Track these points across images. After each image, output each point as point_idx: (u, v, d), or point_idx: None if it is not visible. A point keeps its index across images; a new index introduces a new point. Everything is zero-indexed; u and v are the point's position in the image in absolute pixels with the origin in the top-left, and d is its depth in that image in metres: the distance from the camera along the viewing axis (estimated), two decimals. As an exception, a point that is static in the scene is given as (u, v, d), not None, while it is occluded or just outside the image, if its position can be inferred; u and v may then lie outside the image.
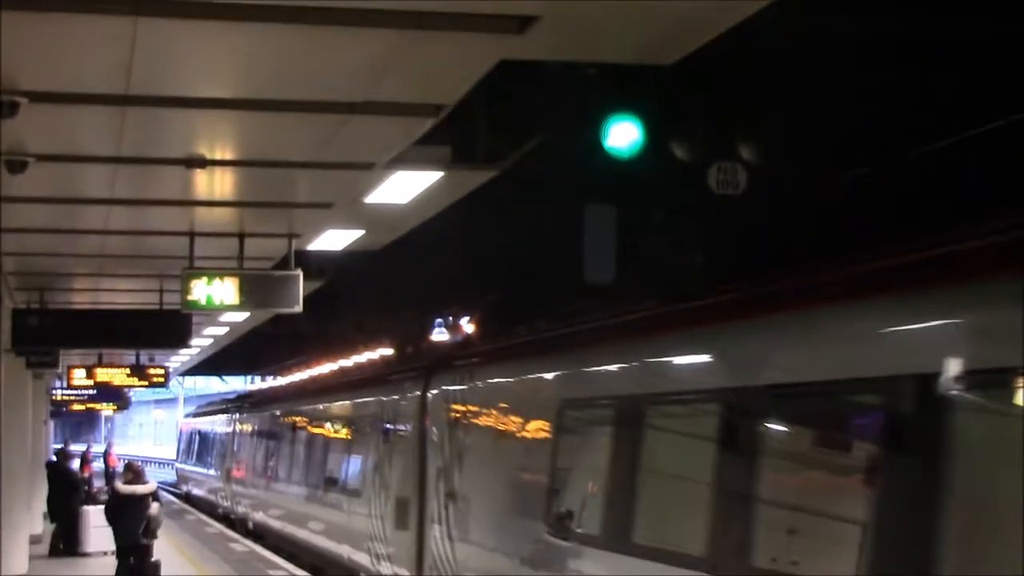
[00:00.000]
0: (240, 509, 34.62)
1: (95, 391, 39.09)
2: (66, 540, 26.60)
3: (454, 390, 15.89)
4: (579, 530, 11.33)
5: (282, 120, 8.85)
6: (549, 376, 13.19)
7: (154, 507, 18.98)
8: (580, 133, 7.54)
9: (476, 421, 14.97)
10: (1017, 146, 11.34)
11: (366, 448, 20.51)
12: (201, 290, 13.22)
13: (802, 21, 9.65)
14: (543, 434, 12.67)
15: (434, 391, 16.79)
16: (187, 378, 67.44)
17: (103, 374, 27.35)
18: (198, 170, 10.18)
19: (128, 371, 27.52)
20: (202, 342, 29.65)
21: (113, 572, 19.13)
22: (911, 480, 7.01)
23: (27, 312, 18.45)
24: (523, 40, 6.93)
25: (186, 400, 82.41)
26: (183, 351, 31.10)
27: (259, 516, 31.31)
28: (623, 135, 7.49)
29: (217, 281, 13.25)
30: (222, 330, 26.69)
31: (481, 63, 7.51)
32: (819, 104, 10.95)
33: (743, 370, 8.99)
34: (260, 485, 31.73)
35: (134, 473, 19.16)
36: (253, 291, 13.33)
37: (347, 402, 23.51)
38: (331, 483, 23.14)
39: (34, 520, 28.21)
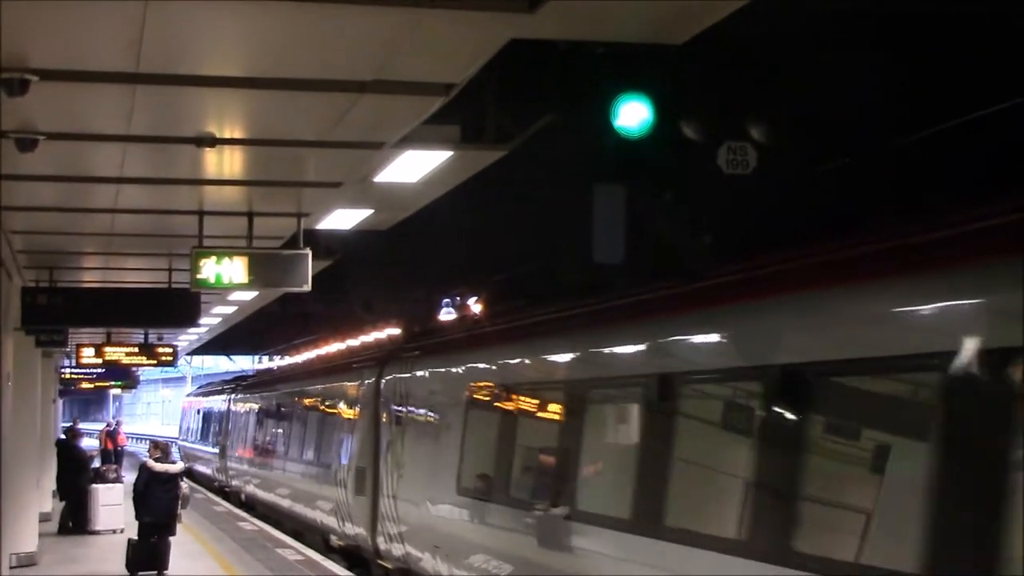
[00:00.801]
0: (235, 483, 37.39)
1: (103, 370, 39.11)
2: (75, 518, 26.70)
3: (400, 377, 19.40)
4: (475, 489, 14.97)
5: (292, 99, 8.85)
6: (460, 369, 16.55)
7: (184, 486, 19.25)
8: (590, 113, 7.52)
9: (413, 404, 18.50)
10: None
11: (334, 427, 23.83)
12: (210, 269, 13.24)
13: (813, 1, 9.64)
14: (456, 415, 16.15)
15: (387, 378, 20.15)
16: (195, 357, 67.53)
17: (112, 353, 27.37)
18: (208, 149, 10.18)
19: (136, 350, 27.56)
20: (210, 321, 29.70)
21: (124, 549, 19.21)
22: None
23: (36, 291, 18.46)
24: (533, 19, 6.93)
25: (194, 379, 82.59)
26: (191, 330, 31.15)
27: (250, 488, 34.30)
28: (633, 115, 7.47)
29: (226, 260, 13.27)
30: (230, 309, 26.73)
31: (491, 42, 7.50)
32: (830, 84, 10.93)
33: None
34: (250, 460, 34.71)
35: (162, 451, 19.25)
36: (262, 270, 13.35)
37: (320, 386, 26.39)
38: (306, 457, 26.48)
39: (43, 498, 28.30)
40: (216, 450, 41.84)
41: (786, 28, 9.95)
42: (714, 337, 10.07)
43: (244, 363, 60.47)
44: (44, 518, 26.64)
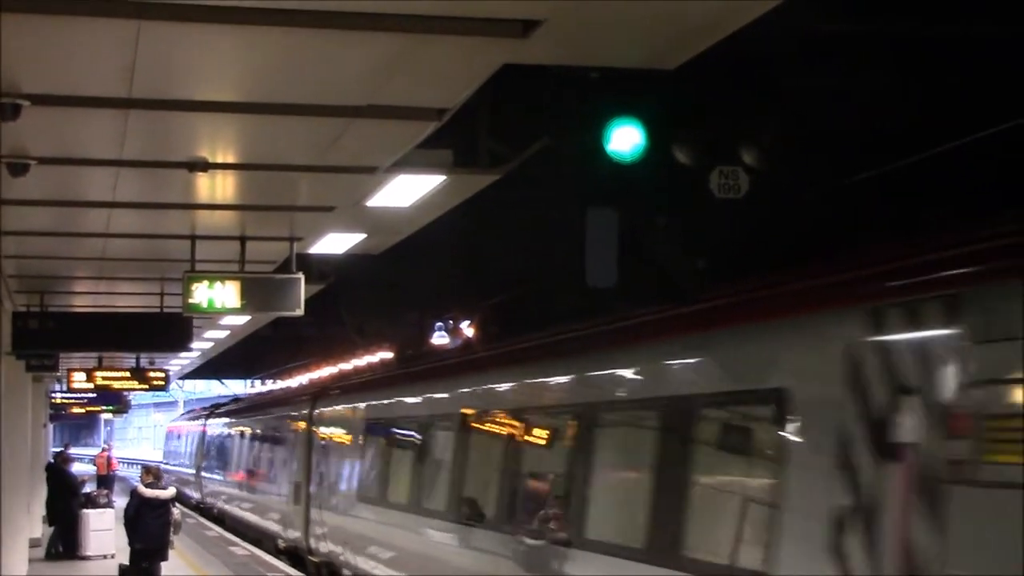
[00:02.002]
0: (209, 500, 42.04)
1: (95, 394, 39.06)
2: (65, 543, 26.59)
3: (324, 410, 25.07)
4: (370, 497, 20.01)
5: (285, 124, 8.85)
6: (360, 405, 22.00)
7: (176, 512, 19.12)
8: (582, 137, 7.52)
9: (331, 431, 23.99)
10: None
11: (280, 450, 29.19)
12: (203, 293, 13.23)
13: (805, 25, 9.66)
14: (356, 439, 21.71)
15: (317, 410, 25.59)
16: (187, 382, 67.37)
17: (103, 377, 27.33)
18: (200, 173, 10.18)
19: (128, 374, 27.52)
20: (202, 345, 29.65)
21: (115, 575, 19.13)
22: None
23: (27, 315, 18.44)
24: (527, 44, 6.94)
25: (186, 404, 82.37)
26: (183, 355, 31.10)
27: (220, 503, 39.19)
28: (625, 139, 7.48)
29: (219, 284, 13.26)
30: (222, 333, 26.70)
31: (485, 67, 7.51)
32: (821, 108, 10.96)
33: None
34: (220, 480, 39.66)
35: (154, 476, 19.12)
36: (254, 294, 13.34)
37: (273, 415, 31.57)
38: (259, 476, 31.86)
39: (33, 523, 28.21)
40: (193, 470, 46.21)
41: (778, 52, 9.97)
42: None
43: (237, 387, 60.36)
44: (34, 543, 26.56)
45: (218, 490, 39.68)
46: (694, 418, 10.21)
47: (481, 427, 15.41)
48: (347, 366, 33.61)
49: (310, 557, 24.32)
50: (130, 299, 19.58)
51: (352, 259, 15.85)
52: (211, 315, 18.49)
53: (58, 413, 46.52)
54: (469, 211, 12.78)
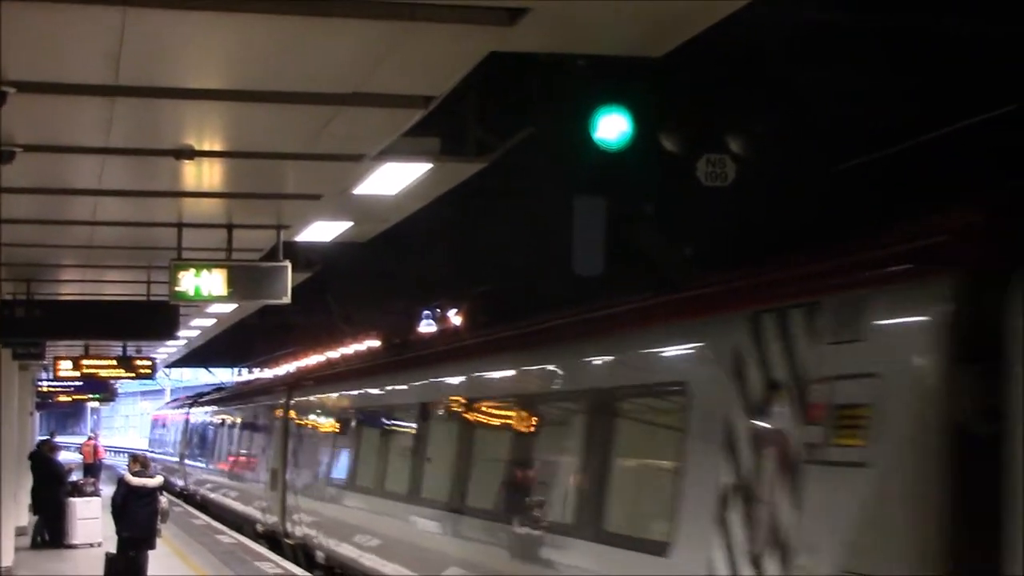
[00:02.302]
0: (192, 487, 42.96)
1: (81, 383, 39.00)
2: (51, 532, 26.56)
3: (299, 400, 26.69)
4: (340, 483, 21.74)
5: (272, 111, 8.84)
6: (333, 395, 23.77)
7: (163, 500, 19.06)
8: (569, 125, 7.52)
9: (306, 420, 25.63)
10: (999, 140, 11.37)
11: (259, 437, 30.37)
12: (189, 281, 13.21)
13: (792, 14, 9.66)
14: (331, 429, 23.21)
15: (293, 400, 27.14)
16: (174, 370, 67.28)
17: (89, 366, 27.30)
18: (187, 161, 10.16)
19: (115, 362, 27.48)
20: (189, 333, 29.62)
21: (102, 563, 19.12)
22: None
23: (14, 303, 18.40)
24: (513, 32, 6.94)
25: (173, 392, 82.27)
26: (170, 343, 31.08)
27: (203, 490, 40.23)
28: (612, 127, 7.47)
29: (205, 272, 13.24)
30: (209, 321, 26.67)
31: (472, 55, 7.51)
32: (808, 97, 10.97)
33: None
34: (203, 467, 40.74)
35: (141, 464, 19.08)
36: (241, 282, 13.33)
37: (251, 404, 32.75)
38: (239, 463, 32.89)
39: (20, 512, 28.17)
40: (177, 458, 47.04)
41: (765, 41, 9.98)
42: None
43: (224, 375, 60.30)
44: (20, 532, 26.51)
45: (201, 477, 40.79)
46: (613, 407, 11.65)
47: (436, 416, 16.99)
48: (322, 357, 34.08)
49: (286, 540, 25.79)
50: (117, 287, 19.54)
51: (339, 247, 15.84)
52: (198, 303, 18.50)
53: (44, 401, 46.42)
54: (456, 199, 12.78)
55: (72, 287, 19.92)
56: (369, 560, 18.99)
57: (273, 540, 27.15)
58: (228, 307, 22.10)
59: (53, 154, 10.37)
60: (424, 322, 27.42)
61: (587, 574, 11.66)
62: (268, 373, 46.05)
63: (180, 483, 45.38)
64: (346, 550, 20.64)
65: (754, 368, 9.18)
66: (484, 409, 15.21)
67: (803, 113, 11.05)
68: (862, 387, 7.94)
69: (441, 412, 16.79)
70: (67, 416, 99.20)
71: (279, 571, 22.49)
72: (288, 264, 13.50)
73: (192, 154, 10.05)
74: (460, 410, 15.90)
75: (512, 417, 14.18)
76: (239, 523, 31.46)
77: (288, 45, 7.41)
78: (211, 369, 57.32)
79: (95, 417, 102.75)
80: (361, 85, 8.17)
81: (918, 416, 7.50)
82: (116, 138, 9.66)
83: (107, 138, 9.64)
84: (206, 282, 13.22)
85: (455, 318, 25.95)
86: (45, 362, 30.36)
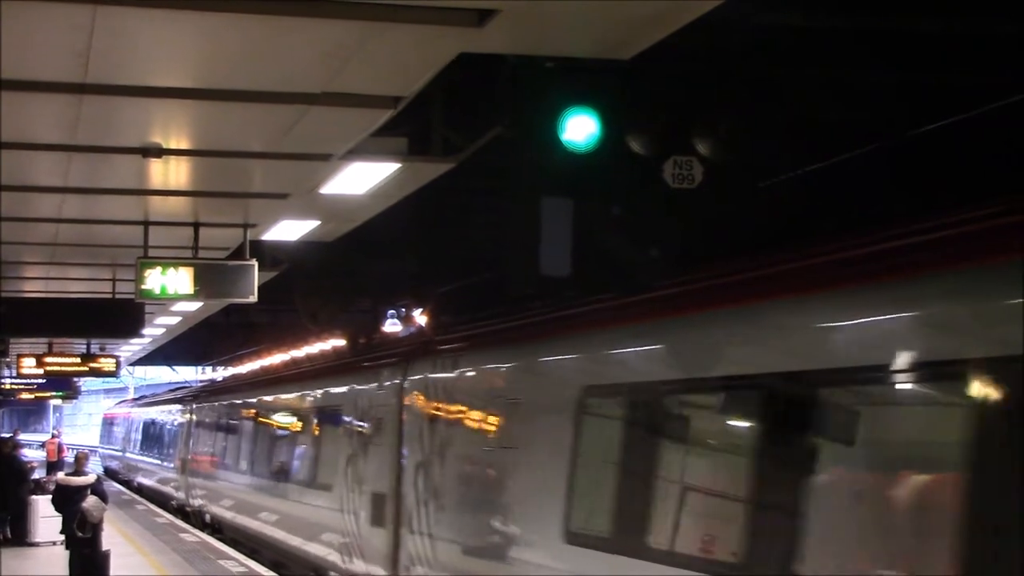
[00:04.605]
0: (130, 475, 50.72)
1: (44, 380, 38.80)
2: (14, 529, 26.42)
3: (198, 406, 34.94)
4: (217, 466, 29.34)
5: (240, 110, 8.84)
6: (216, 403, 31.89)
7: (90, 499, 18.26)
8: (537, 126, 7.54)
9: (201, 422, 33.98)
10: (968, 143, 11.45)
11: (175, 433, 38.57)
12: (155, 279, 13.19)
13: (759, 17, 9.72)
14: (214, 426, 31.37)
15: (195, 405, 35.59)
16: (138, 368, 67.01)
17: (53, 363, 27.17)
18: (154, 159, 10.15)
19: (79, 360, 27.36)
20: (154, 332, 29.54)
21: (63, 561, 19.03)
22: None
23: (-22, 300, 18.31)
24: (482, 33, 6.96)
25: (136, 390, 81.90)
26: (135, 341, 30.97)
27: (138, 477, 47.83)
28: (580, 128, 7.49)
29: (172, 270, 13.22)
30: (174, 320, 26.60)
31: (440, 55, 7.53)
32: (775, 99, 11.03)
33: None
34: (137, 458, 48.80)
35: (78, 463, 18.99)
36: (208, 280, 13.31)
37: (171, 408, 41.23)
38: (163, 454, 41.08)
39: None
40: (120, 451, 56.73)
41: (732, 44, 10.03)
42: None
43: (187, 374, 60.11)
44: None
45: (137, 467, 49.28)
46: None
47: (263, 417, 25.87)
48: (228, 372, 44.42)
49: (187, 509, 34.44)
50: (82, 284, 19.47)
51: (306, 246, 15.83)
52: (164, 301, 18.42)
53: (6, 399, 46.16)
54: (423, 199, 12.79)
55: (37, 284, 19.84)
56: (230, 516, 28.33)
57: (183, 512, 34.99)
58: (193, 305, 22.04)
59: (18, 151, 10.33)
60: (389, 322, 27.43)
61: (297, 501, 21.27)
62: (185, 385, 54.99)
63: (122, 473, 54.28)
64: (220, 512, 29.71)
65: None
66: (271, 417, 25.08)
67: (769, 114, 11.11)
68: None
69: (267, 414, 25.62)
70: (29, 413, 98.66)
71: (243, 570, 22.44)
72: (255, 263, 13.49)
73: (159, 152, 10.03)
74: (281, 412, 24.39)
75: (296, 418, 22.88)
76: (164, 501, 38.75)
77: (257, 44, 7.41)
78: (175, 368, 57.13)
79: (57, 415, 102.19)
80: (329, 85, 8.18)
81: None
82: (83, 136, 9.63)
83: (74, 136, 9.62)
84: (172, 280, 13.21)
85: (420, 317, 25.97)
86: (8, 359, 30.19)
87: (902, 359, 7.16)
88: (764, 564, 7.83)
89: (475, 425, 13.18)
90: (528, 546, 11.33)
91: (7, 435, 34.57)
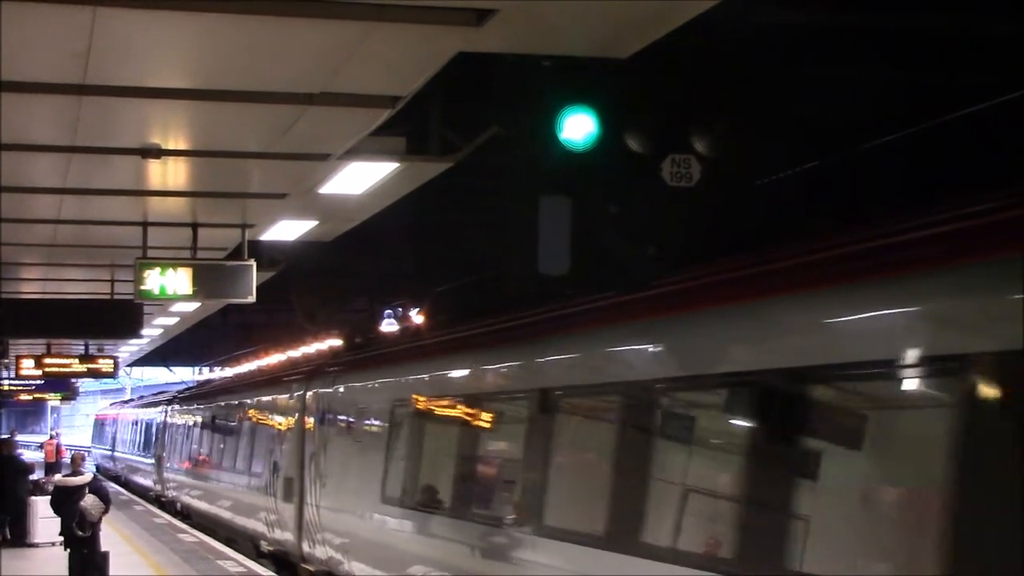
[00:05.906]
0: (119, 471, 54.99)
1: (42, 381, 38.81)
2: (14, 530, 26.41)
3: (174, 408, 39.74)
4: (188, 461, 34.43)
5: (239, 111, 8.85)
6: (185, 407, 37.69)
7: (88, 499, 18.18)
8: (535, 125, 7.55)
9: (175, 421, 38.68)
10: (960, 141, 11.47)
11: (154, 433, 43.35)
12: (154, 280, 13.21)
13: (758, 16, 9.73)
14: (183, 427, 36.47)
15: (170, 407, 40.27)
16: (135, 369, 67.01)
17: (51, 364, 27.17)
18: (152, 160, 10.16)
19: (77, 361, 27.36)
20: (152, 332, 29.54)
21: (63, 561, 19.02)
22: None
23: (-24, 302, 18.32)
24: (480, 33, 6.98)
25: (134, 391, 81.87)
26: (133, 342, 30.98)
27: (125, 473, 52.66)
28: (578, 127, 7.50)
29: (170, 271, 13.24)
30: (172, 320, 26.61)
31: (439, 55, 7.55)
32: (773, 97, 11.05)
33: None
34: (125, 455, 53.47)
35: (74, 463, 18.97)
36: (206, 281, 13.33)
37: (150, 412, 46.15)
38: (145, 451, 45.61)
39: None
40: (110, 450, 60.69)
41: (730, 42, 10.05)
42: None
43: (185, 374, 60.15)
44: (-19, 531, 26.35)
45: (126, 463, 53.69)
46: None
47: (217, 419, 30.53)
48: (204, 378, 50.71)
49: (162, 499, 39.36)
50: (80, 285, 19.47)
51: (304, 246, 15.84)
52: (163, 302, 18.45)
53: (5, 400, 46.16)
54: (421, 199, 12.80)
55: (35, 285, 19.84)
56: (194, 503, 33.10)
57: (160, 502, 39.79)
58: (192, 306, 22.05)
59: (17, 152, 10.34)
60: (386, 321, 27.45)
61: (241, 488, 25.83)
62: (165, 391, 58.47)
63: (113, 468, 58.30)
64: (186, 499, 34.60)
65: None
66: (221, 419, 29.87)
67: (768, 112, 11.13)
68: None
69: (214, 420, 30.87)
70: (27, 414, 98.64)
71: (241, 570, 22.45)
72: (253, 263, 13.50)
73: (158, 153, 10.05)
74: (217, 419, 30.24)
75: (226, 423, 28.49)
76: (144, 492, 43.54)
77: (255, 45, 7.43)
78: (172, 368, 57.14)
79: (55, 416, 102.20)
80: (328, 85, 8.19)
81: None
82: (82, 137, 9.64)
83: (73, 137, 9.63)
84: (171, 281, 13.22)
85: (416, 317, 25.99)
86: (7, 360, 30.19)
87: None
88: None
89: (343, 426, 18.79)
90: (368, 506, 16.56)
91: (5, 436, 34.54)
